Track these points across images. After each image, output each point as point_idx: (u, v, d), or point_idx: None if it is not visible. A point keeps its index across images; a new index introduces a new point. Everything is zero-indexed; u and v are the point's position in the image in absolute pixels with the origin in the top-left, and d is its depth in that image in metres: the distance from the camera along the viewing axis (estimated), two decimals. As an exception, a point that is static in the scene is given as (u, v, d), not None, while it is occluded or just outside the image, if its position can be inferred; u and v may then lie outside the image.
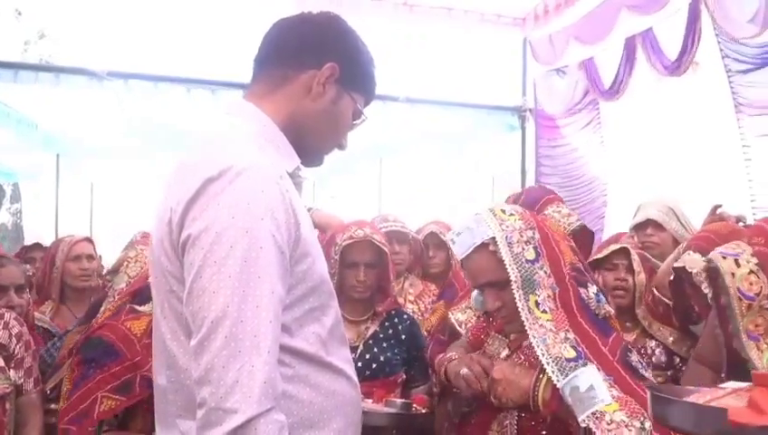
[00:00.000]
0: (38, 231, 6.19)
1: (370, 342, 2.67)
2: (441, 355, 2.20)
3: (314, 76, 1.46)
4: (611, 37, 5.58)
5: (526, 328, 1.72)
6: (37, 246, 3.99)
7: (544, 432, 1.76)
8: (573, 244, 1.95)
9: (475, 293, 2.35)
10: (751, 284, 1.70)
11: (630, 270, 2.71)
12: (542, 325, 1.71)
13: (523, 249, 1.78)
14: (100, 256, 3.69)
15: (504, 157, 7.93)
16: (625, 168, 6.12)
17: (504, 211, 1.86)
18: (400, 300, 3.23)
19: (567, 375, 1.63)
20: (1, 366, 2.45)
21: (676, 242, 3.08)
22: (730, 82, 4.69)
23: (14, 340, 2.51)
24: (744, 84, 4.60)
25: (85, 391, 2.29)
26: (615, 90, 5.73)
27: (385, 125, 6.66)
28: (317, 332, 1.40)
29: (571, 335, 1.71)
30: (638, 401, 1.59)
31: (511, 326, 1.91)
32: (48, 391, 2.62)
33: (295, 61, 1.47)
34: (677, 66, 4.95)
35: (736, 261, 1.72)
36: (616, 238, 3.10)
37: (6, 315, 2.55)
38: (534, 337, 1.70)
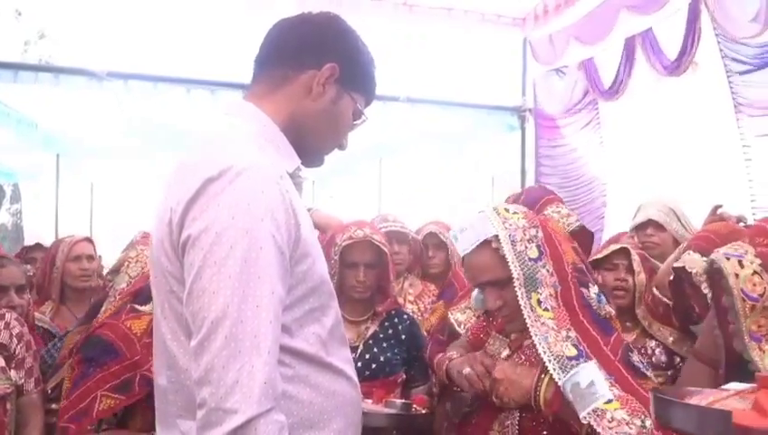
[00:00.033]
0: (38, 231, 6.17)
1: (370, 342, 2.67)
2: (441, 355, 2.20)
3: (314, 76, 1.46)
4: (611, 37, 5.59)
5: (528, 326, 1.73)
6: (38, 246, 3.99)
7: (545, 432, 1.76)
8: (576, 244, 1.95)
9: (475, 292, 2.35)
10: (754, 285, 1.69)
11: (630, 270, 2.71)
12: (543, 323, 1.72)
13: (526, 247, 1.79)
14: (100, 257, 3.69)
15: (504, 157, 7.92)
16: (624, 168, 6.12)
17: (507, 210, 1.87)
18: (400, 300, 3.23)
19: (568, 373, 1.63)
20: (2, 366, 2.45)
21: (676, 242, 3.08)
22: (730, 82, 4.69)
23: (14, 340, 2.51)
24: (744, 84, 4.60)
25: (85, 389, 2.29)
26: (615, 90, 5.74)
27: (385, 125, 6.66)
28: (317, 332, 1.40)
29: (573, 334, 1.71)
30: (639, 400, 1.60)
31: (512, 325, 1.91)
32: (49, 391, 2.62)
33: (295, 61, 1.47)
34: (677, 66, 4.95)
35: (740, 262, 1.72)
36: (616, 238, 3.10)
37: (7, 316, 2.55)
38: (536, 335, 1.70)
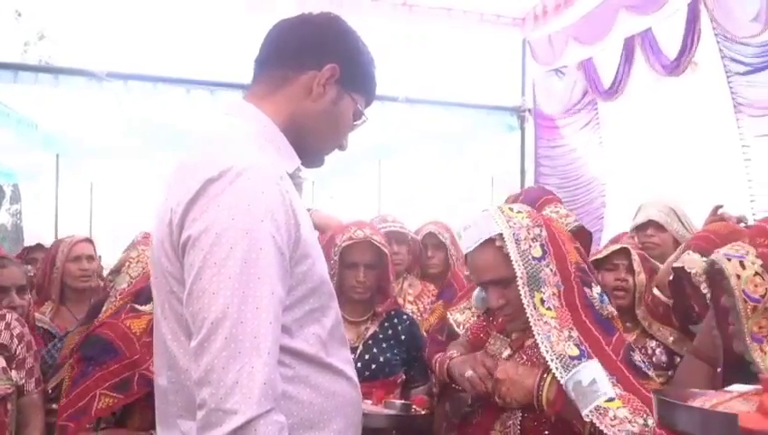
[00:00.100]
0: (38, 232, 6.17)
1: (370, 342, 2.67)
2: (440, 354, 2.21)
3: (315, 77, 1.46)
4: (610, 37, 5.59)
5: (531, 324, 1.73)
6: (39, 246, 3.99)
7: (547, 432, 1.76)
8: (579, 245, 1.96)
9: (476, 291, 2.35)
10: (756, 286, 1.69)
11: (631, 270, 2.71)
12: (546, 322, 1.72)
13: (530, 246, 1.79)
14: (100, 257, 3.69)
15: (504, 157, 7.93)
16: (624, 168, 6.12)
17: (511, 209, 1.87)
18: (399, 300, 3.23)
19: (570, 372, 1.64)
20: (3, 367, 2.45)
21: (676, 243, 3.08)
22: (729, 83, 4.69)
23: (15, 340, 2.52)
24: (744, 84, 4.60)
25: (84, 388, 2.29)
26: (614, 90, 5.74)
27: (384, 125, 6.66)
28: (317, 333, 1.40)
29: (575, 334, 1.72)
30: (641, 400, 1.60)
31: (513, 325, 1.91)
32: (49, 391, 2.62)
33: (295, 62, 1.47)
34: (676, 66, 4.96)
35: (741, 263, 1.71)
36: (617, 239, 3.10)
37: (8, 316, 2.55)
38: (539, 334, 1.71)
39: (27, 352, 2.55)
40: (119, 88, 6.04)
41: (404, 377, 2.71)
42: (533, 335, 1.76)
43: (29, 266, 3.57)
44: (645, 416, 1.56)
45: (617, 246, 2.79)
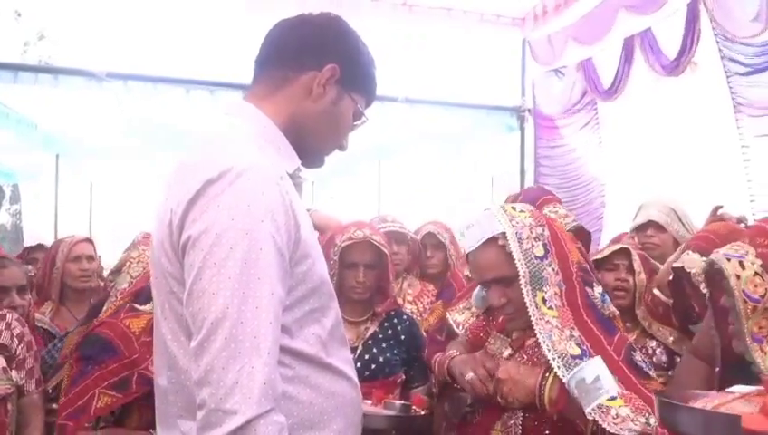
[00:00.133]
0: (38, 232, 6.17)
1: (370, 342, 2.67)
2: (440, 354, 2.21)
3: (315, 77, 1.46)
4: (610, 37, 5.60)
5: (533, 323, 1.73)
6: (40, 246, 3.99)
7: (548, 432, 1.76)
8: (581, 245, 1.96)
9: (476, 291, 2.35)
10: (756, 286, 1.69)
11: (631, 270, 2.71)
12: (548, 322, 1.73)
13: (533, 245, 1.79)
14: (100, 257, 3.69)
15: (503, 157, 7.93)
16: (623, 168, 6.12)
17: (514, 208, 1.88)
18: (399, 300, 3.23)
19: (572, 371, 1.64)
20: (3, 367, 2.46)
21: (676, 243, 3.07)
22: (729, 83, 4.69)
23: (15, 341, 2.52)
24: (743, 84, 4.60)
25: (83, 387, 2.29)
26: (613, 90, 5.74)
27: (384, 125, 6.66)
28: (317, 333, 1.40)
29: (576, 333, 1.72)
30: (643, 399, 1.60)
31: (514, 324, 1.91)
32: (50, 391, 2.62)
33: (296, 62, 1.47)
34: (676, 66, 4.96)
35: (741, 263, 1.71)
36: (618, 240, 3.09)
37: (8, 316, 2.55)
38: (540, 333, 1.71)
39: (27, 353, 2.55)
40: (118, 88, 6.05)
41: (404, 377, 2.71)
42: (534, 335, 1.76)
43: (30, 266, 3.57)
44: (647, 415, 1.56)
45: (617, 246, 2.80)
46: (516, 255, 1.77)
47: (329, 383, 1.41)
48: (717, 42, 4.69)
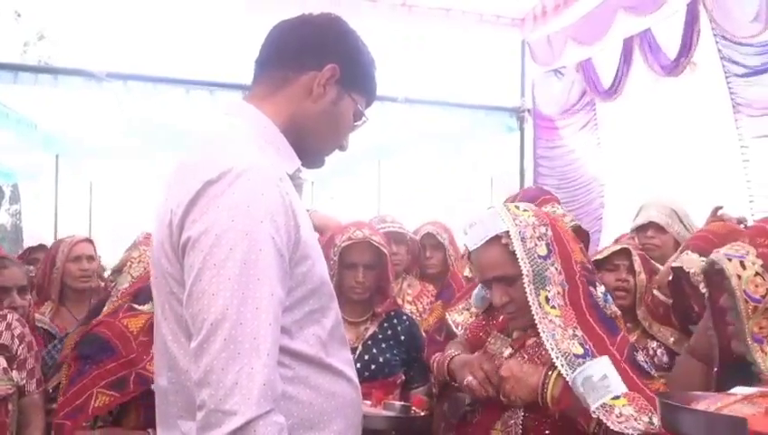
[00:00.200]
0: (37, 232, 6.19)
1: (369, 343, 2.67)
2: (439, 353, 2.21)
3: (315, 77, 1.46)
4: (609, 38, 5.59)
5: (536, 322, 1.73)
6: (41, 247, 3.99)
7: (548, 432, 1.76)
8: (582, 245, 1.96)
9: (476, 290, 2.35)
10: (757, 286, 1.69)
11: (631, 271, 2.71)
12: (551, 321, 1.73)
13: (536, 245, 1.79)
14: (100, 257, 3.69)
15: (503, 157, 7.92)
16: (622, 169, 6.12)
17: (517, 207, 1.88)
18: (399, 301, 3.24)
19: (575, 370, 1.64)
20: (4, 367, 2.46)
21: (677, 244, 3.05)
22: (728, 83, 4.69)
23: (16, 341, 2.52)
24: (743, 85, 4.60)
25: (81, 386, 2.29)
26: (612, 90, 5.74)
27: (383, 126, 6.66)
28: (317, 333, 1.40)
29: (579, 333, 1.72)
30: (645, 399, 1.61)
31: (515, 323, 1.91)
32: (50, 391, 2.62)
33: (296, 62, 1.47)
34: (675, 67, 4.95)
35: (742, 263, 1.71)
36: (619, 240, 3.09)
37: (9, 317, 2.56)
38: (544, 332, 1.72)
39: (28, 353, 2.55)
40: (118, 88, 6.04)
41: (403, 378, 2.71)
42: (535, 334, 1.76)
43: (30, 267, 3.57)
44: (650, 414, 1.56)
45: (617, 247, 2.80)
46: (519, 254, 1.77)
47: (329, 384, 1.41)
48: (717, 42, 4.69)
